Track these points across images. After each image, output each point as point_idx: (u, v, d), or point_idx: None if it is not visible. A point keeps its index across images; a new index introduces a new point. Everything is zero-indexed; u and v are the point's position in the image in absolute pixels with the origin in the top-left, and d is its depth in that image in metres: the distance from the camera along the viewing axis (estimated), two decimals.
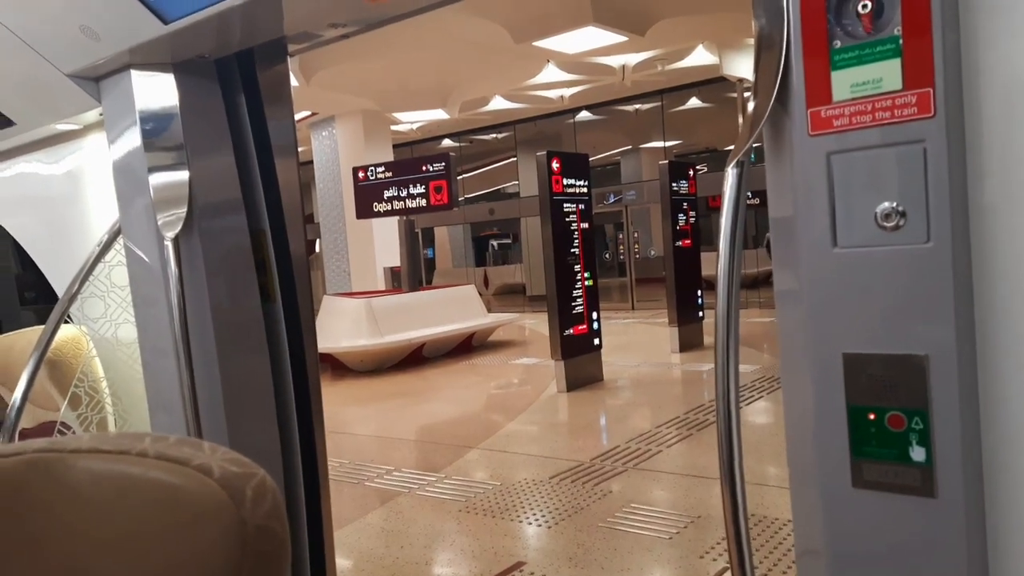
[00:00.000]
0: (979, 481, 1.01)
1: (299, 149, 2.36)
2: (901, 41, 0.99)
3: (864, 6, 1.02)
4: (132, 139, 2.01)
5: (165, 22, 1.71)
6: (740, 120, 12.83)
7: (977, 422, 1.00)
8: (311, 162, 13.65)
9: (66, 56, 1.97)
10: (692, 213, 9.22)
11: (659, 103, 14.44)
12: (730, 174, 1.13)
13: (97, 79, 2.04)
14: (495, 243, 21.76)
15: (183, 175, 1.94)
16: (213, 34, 1.79)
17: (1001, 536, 1.01)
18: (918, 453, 1.01)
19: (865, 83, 1.02)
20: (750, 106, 1.10)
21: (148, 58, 1.91)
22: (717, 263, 1.14)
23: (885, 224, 1.02)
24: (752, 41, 1.16)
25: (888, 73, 1.00)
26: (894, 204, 1.01)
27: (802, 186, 1.09)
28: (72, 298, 2.15)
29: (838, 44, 1.04)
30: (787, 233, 1.14)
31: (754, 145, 1.13)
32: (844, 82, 1.04)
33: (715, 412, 1.14)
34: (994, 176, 0.99)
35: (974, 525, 1.00)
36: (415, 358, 9.22)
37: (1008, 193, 0.98)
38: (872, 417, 1.03)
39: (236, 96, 2.14)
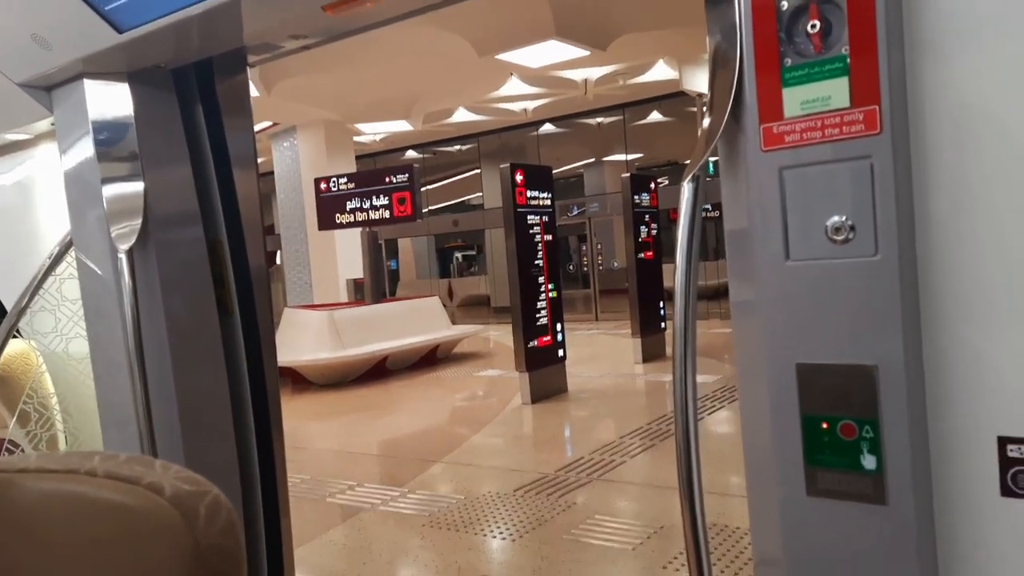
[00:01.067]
0: (928, 488, 1.04)
1: (259, 160, 2.33)
2: (848, 60, 1.02)
3: (813, 26, 1.05)
4: (85, 149, 1.97)
5: (119, 31, 1.68)
6: (699, 134, 13.06)
7: (925, 430, 1.03)
8: (271, 173, 13.50)
9: (17, 65, 1.92)
10: (654, 225, 9.33)
11: (621, 116, 14.62)
12: (686, 188, 1.15)
13: (49, 88, 2.00)
14: (459, 255, 21.73)
15: (138, 186, 1.91)
16: (169, 44, 1.77)
17: (950, 542, 1.04)
18: (869, 461, 1.03)
19: (815, 100, 1.05)
20: (705, 122, 1.13)
21: (102, 67, 1.88)
22: (674, 275, 1.15)
23: (835, 238, 1.05)
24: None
25: (836, 91, 1.03)
26: (844, 218, 1.04)
27: (756, 200, 1.11)
28: (21, 312, 2.09)
29: (789, 62, 1.07)
30: (742, 246, 1.16)
31: (710, 160, 1.16)
32: (795, 99, 1.07)
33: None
34: (939, 190, 1.02)
35: (924, 531, 1.03)
36: (378, 371, 9.14)
37: (953, 206, 1.01)
38: (825, 426, 1.06)
39: (193, 106, 2.11)
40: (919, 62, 1.02)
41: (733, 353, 1.23)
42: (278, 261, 14.33)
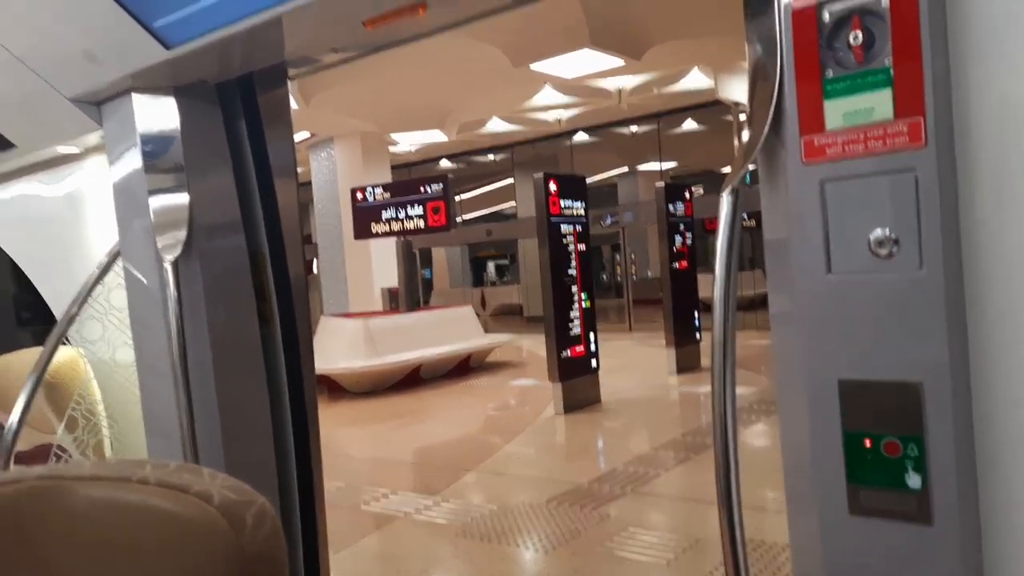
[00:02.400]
0: (975, 508, 1.01)
1: (298, 170, 2.38)
2: (892, 72, 1.01)
3: (855, 37, 1.03)
4: (133, 162, 2.03)
5: (167, 47, 1.73)
6: (736, 143, 12.93)
7: (972, 449, 1.00)
8: (309, 183, 13.71)
9: (68, 80, 1.99)
10: (688, 235, 9.26)
11: (655, 125, 14.54)
12: (725, 200, 1.14)
13: (98, 103, 2.06)
14: (492, 264, 21.80)
15: (183, 198, 1.96)
16: (214, 59, 1.81)
17: (996, 563, 1.01)
18: (914, 480, 1.01)
19: (857, 112, 1.04)
20: (745, 134, 1.12)
21: (149, 82, 1.93)
22: (713, 288, 1.15)
23: (878, 251, 1.03)
24: (746, 65, 1.18)
25: (879, 103, 1.02)
26: (887, 231, 1.02)
27: (796, 213, 1.10)
28: (71, 320, 2.15)
29: (831, 74, 1.06)
30: (782, 259, 1.15)
31: (749, 168, 1.15)
32: (837, 111, 1.05)
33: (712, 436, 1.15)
34: (985, 203, 1.00)
35: (970, 552, 1.00)
36: (412, 379, 9.19)
37: (999, 221, 0.99)
38: (868, 444, 1.04)
39: (236, 119, 2.16)
40: (962, 66, 1.00)
41: (770, 365, 1.21)
42: (315, 270, 14.53)
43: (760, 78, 1.14)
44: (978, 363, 1.00)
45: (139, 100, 1.99)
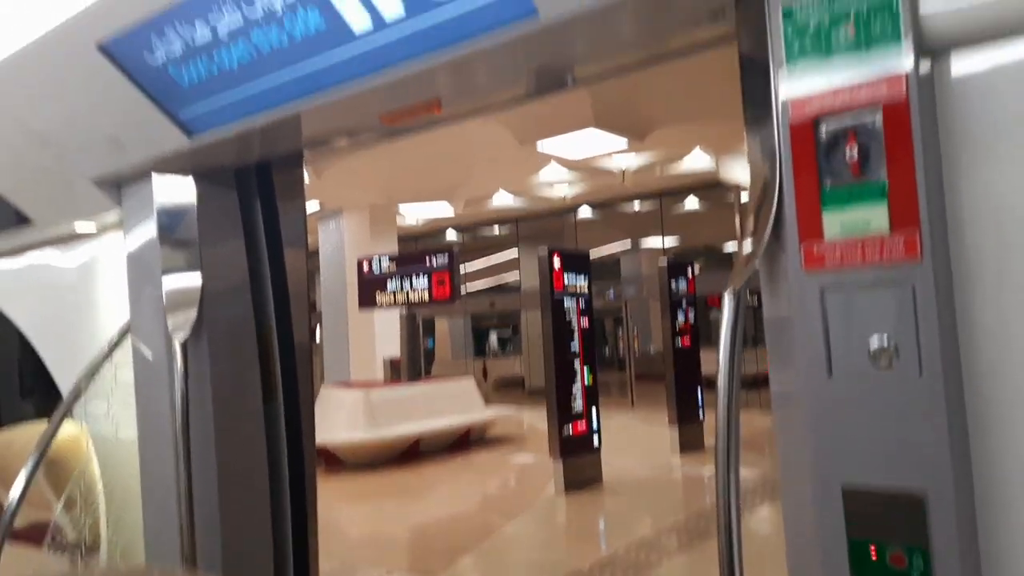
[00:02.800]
0: None
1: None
2: (887, 186, 1.05)
3: (851, 152, 1.08)
4: (149, 242, 2.07)
5: (190, 135, 1.80)
6: (737, 221, 13.10)
7: (978, 562, 0.99)
8: (316, 252, 13.85)
9: (91, 162, 2.06)
10: (691, 312, 9.28)
11: (658, 203, 14.78)
12: (728, 302, 1.17)
13: (119, 184, 2.12)
14: (495, 334, 21.76)
15: (196, 279, 1.99)
16: (234, 148, 1.88)
17: None
18: None
19: (855, 224, 1.07)
20: (747, 244, 1.15)
21: (170, 166, 2.00)
22: (717, 389, 1.16)
23: (879, 358, 1.05)
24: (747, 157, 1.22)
25: (876, 216, 1.06)
26: (886, 339, 1.04)
27: (798, 318, 1.12)
28: (78, 396, 2.16)
29: (828, 185, 1.10)
30: (784, 361, 1.17)
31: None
32: (835, 221, 1.09)
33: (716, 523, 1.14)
34: (984, 311, 1.02)
35: None
36: (411, 452, 9.06)
37: (998, 327, 1.01)
38: (874, 554, 1.03)
39: (252, 197, 2.22)
40: (955, 178, 1.04)
41: (775, 447, 1.21)
42: (317, 338, 14.51)
43: (760, 185, 1.18)
44: (982, 473, 1.01)
45: (159, 181, 2.05)
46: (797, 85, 1.12)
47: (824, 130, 1.10)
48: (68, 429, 2.25)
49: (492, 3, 1.21)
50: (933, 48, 1.05)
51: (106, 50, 1.63)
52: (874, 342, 1.05)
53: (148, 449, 2.09)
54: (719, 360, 1.14)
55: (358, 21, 1.37)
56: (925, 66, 1.04)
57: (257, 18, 1.43)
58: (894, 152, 1.05)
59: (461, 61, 1.34)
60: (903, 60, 1.03)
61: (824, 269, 1.09)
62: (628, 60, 1.55)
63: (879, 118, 1.06)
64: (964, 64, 1.05)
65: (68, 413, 2.15)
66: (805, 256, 1.11)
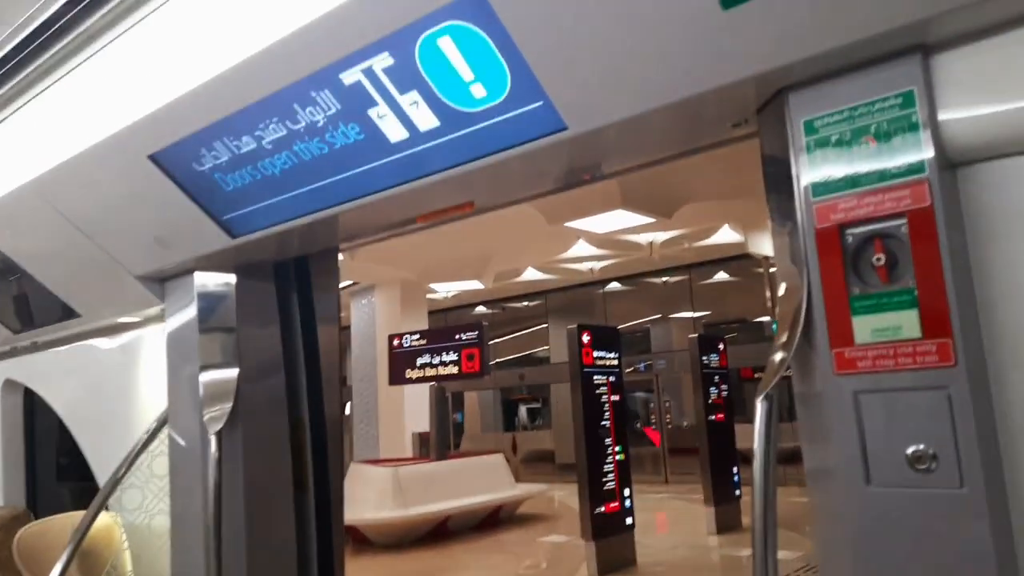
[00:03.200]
0: None
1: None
2: (916, 293, 1.05)
3: (878, 259, 1.09)
4: (188, 333, 2.14)
5: (232, 236, 1.87)
6: (767, 294, 13.01)
7: None
8: (348, 327, 13.99)
9: (136, 261, 2.15)
10: (724, 386, 9.12)
11: (687, 276, 14.76)
12: (760, 407, 1.17)
13: (162, 280, 2.20)
14: (524, 407, 21.52)
15: (233, 372, 2.04)
16: (274, 246, 1.95)
17: None
18: None
19: (885, 329, 1.07)
20: (778, 355, 1.15)
21: (212, 264, 2.08)
22: (752, 496, 1.14)
23: (917, 466, 1.03)
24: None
25: (907, 322, 1.06)
26: (925, 447, 1.03)
27: (833, 423, 1.11)
28: (115, 485, 2.18)
29: (857, 291, 1.11)
30: (821, 466, 1.15)
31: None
32: (865, 327, 1.09)
33: None
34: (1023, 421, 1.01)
35: None
36: (439, 531, 8.88)
37: None
38: None
39: (288, 288, 2.28)
40: (987, 282, 1.04)
41: (814, 526, 1.18)
42: (347, 412, 14.50)
43: (789, 289, 1.19)
44: None
45: (200, 277, 2.13)
46: (821, 192, 1.14)
47: (850, 236, 1.12)
48: (102, 519, 2.27)
49: (523, 119, 1.27)
50: (954, 156, 1.07)
51: (156, 159, 1.72)
52: (911, 450, 1.03)
53: (180, 538, 2.10)
54: (754, 470, 1.13)
55: (394, 132, 1.43)
56: (948, 171, 1.06)
57: (300, 130, 1.51)
58: (921, 258, 1.05)
59: (493, 170, 1.40)
60: (925, 167, 1.05)
61: (856, 372, 1.09)
62: (653, 158, 1.60)
63: (904, 224, 1.07)
64: (987, 167, 1.07)
65: (105, 503, 2.17)
66: (836, 360, 1.11)
